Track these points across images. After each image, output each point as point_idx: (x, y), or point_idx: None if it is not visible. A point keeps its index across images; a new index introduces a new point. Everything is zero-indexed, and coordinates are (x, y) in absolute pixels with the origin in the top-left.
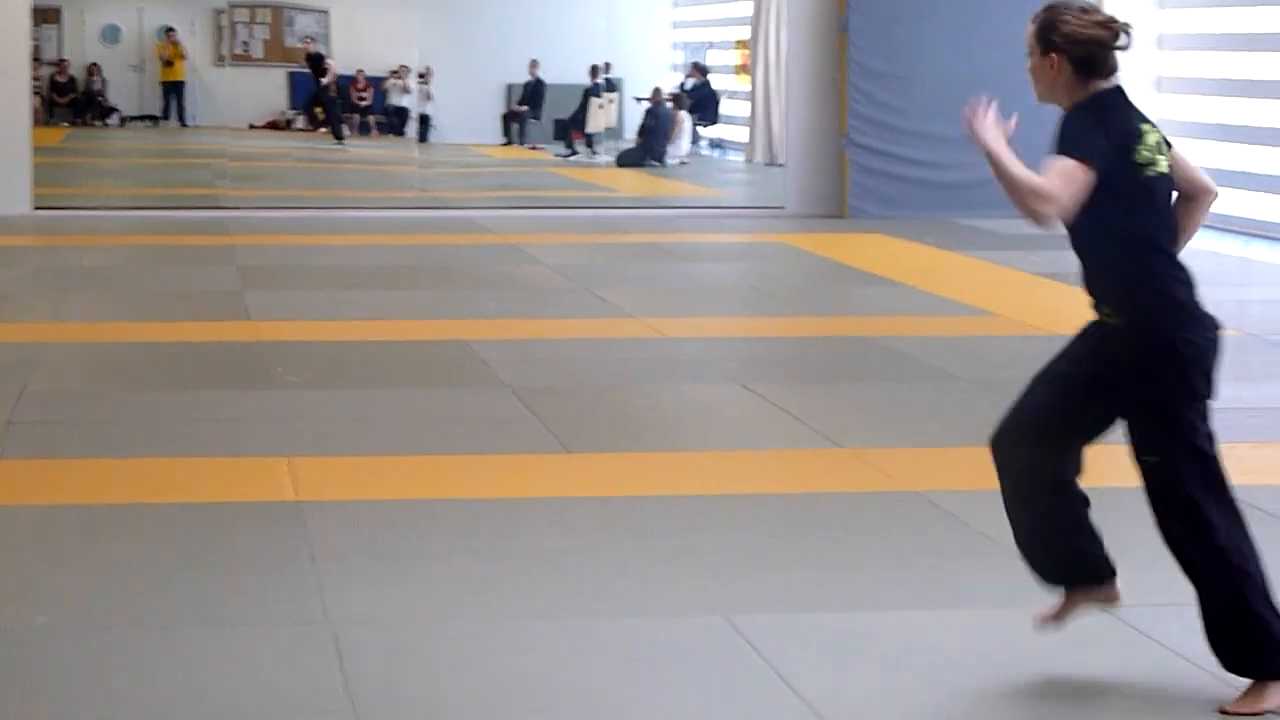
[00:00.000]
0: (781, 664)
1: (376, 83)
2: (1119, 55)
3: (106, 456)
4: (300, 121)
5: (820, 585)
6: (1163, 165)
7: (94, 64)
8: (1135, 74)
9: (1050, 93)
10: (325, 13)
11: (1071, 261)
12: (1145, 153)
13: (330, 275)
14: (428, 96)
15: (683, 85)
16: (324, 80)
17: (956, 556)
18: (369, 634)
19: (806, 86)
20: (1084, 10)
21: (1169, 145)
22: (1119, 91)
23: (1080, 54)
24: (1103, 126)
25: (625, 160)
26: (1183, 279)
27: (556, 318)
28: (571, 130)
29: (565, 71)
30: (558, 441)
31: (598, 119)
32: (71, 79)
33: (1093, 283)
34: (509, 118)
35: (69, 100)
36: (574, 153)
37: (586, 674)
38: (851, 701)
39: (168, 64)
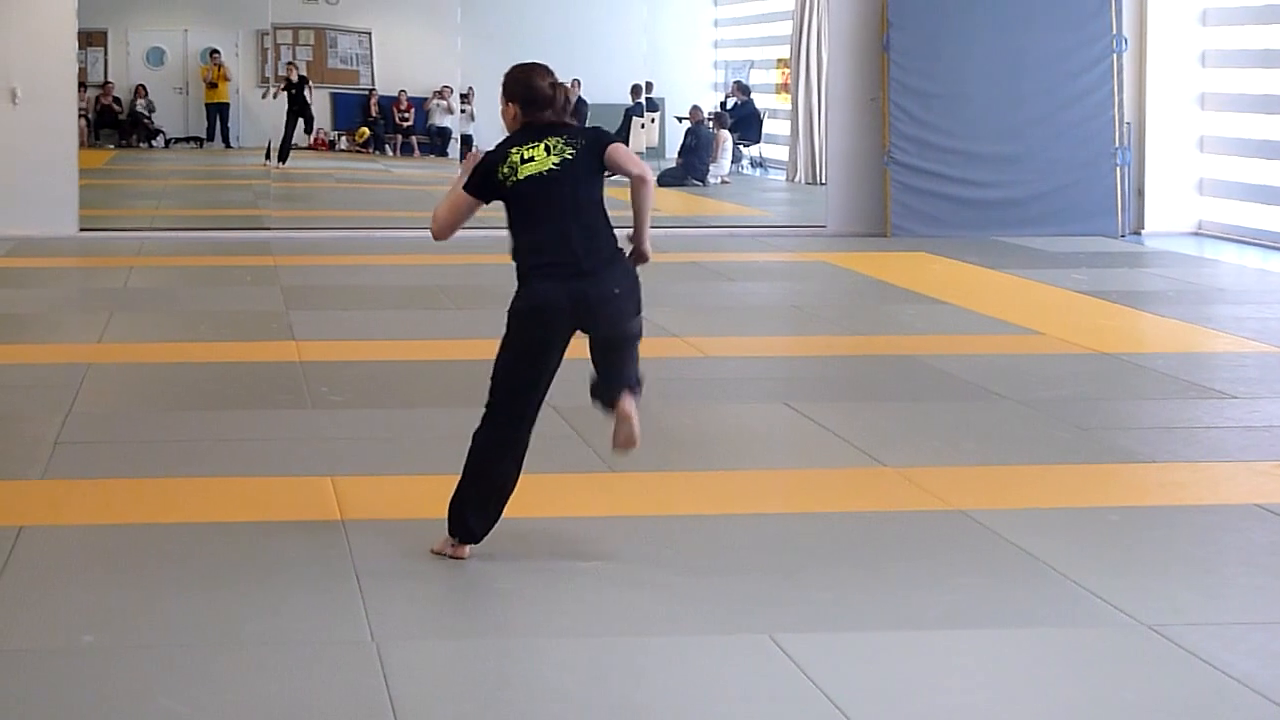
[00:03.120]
0: (826, 683)
1: (419, 103)
2: None
3: (152, 476)
4: (343, 142)
5: (865, 604)
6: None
7: (140, 86)
8: (1178, 91)
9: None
10: (368, 34)
11: (1117, 279)
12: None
13: (373, 295)
14: (470, 117)
15: (724, 104)
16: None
17: (1000, 575)
18: (414, 653)
19: (848, 105)
20: None
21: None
22: None
23: None
24: None
25: (667, 179)
26: None
27: None
28: None
29: (607, 91)
30: (601, 461)
31: (639, 138)
32: (116, 100)
33: None
34: None
35: (114, 123)
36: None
37: (632, 693)
38: None
39: (212, 86)
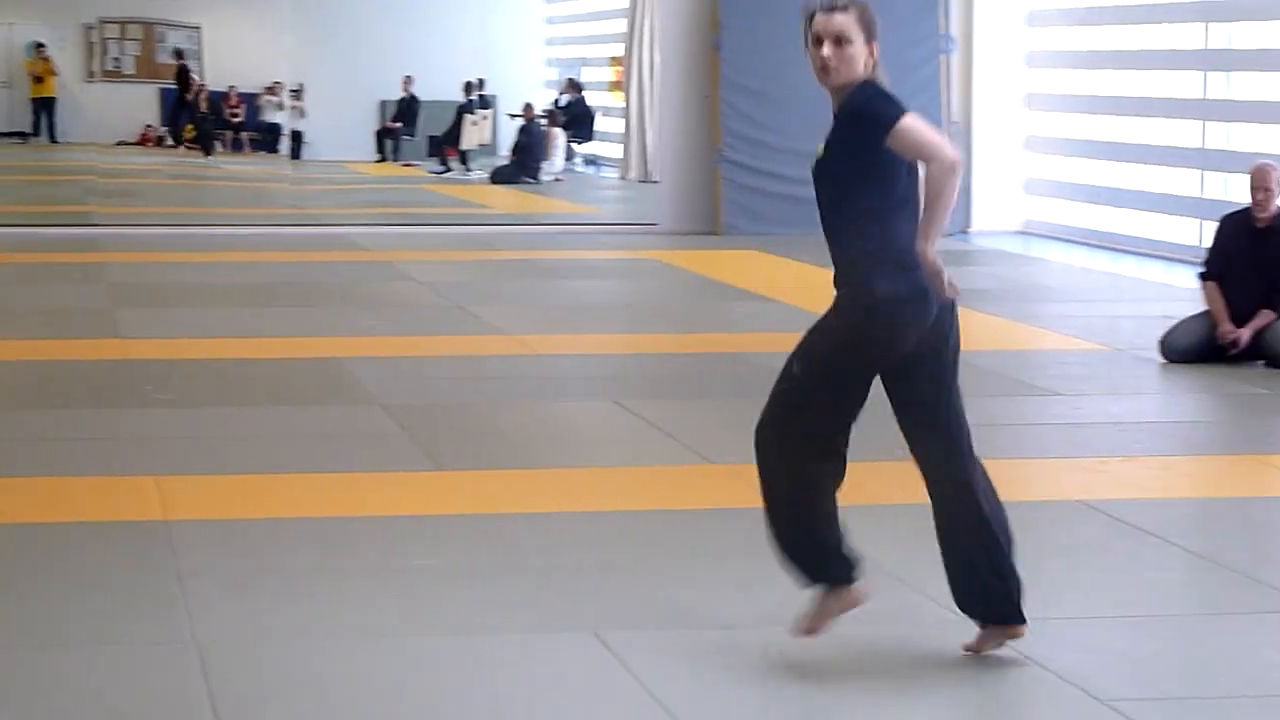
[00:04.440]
0: (651, 680)
1: (249, 99)
2: None
3: None
4: (172, 139)
5: (691, 601)
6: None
7: None
8: (1005, 91)
9: (851, 76)
10: (197, 29)
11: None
12: None
13: (202, 293)
14: (301, 113)
15: (556, 102)
16: (188, 96)
17: None
18: (236, 654)
19: (680, 103)
20: None
21: None
22: None
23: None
24: None
25: (499, 177)
26: None
27: (429, 335)
28: (445, 147)
29: (439, 88)
30: (429, 459)
31: (472, 136)
32: None
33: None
34: (383, 134)
35: None
36: (448, 169)
37: (456, 692)
38: (721, 718)
39: (38, 80)
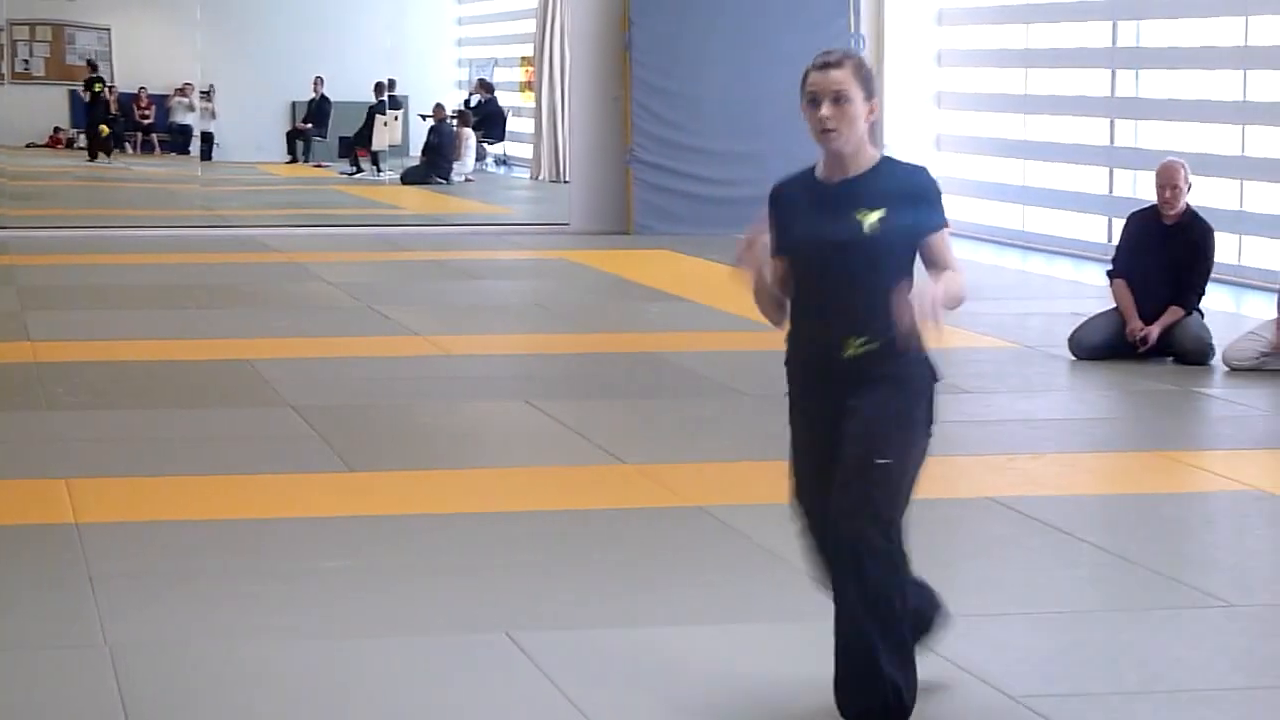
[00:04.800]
0: (563, 680)
1: (160, 100)
2: None
3: None
4: (82, 140)
5: (603, 601)
6: None
7: None
8: (915, 90)
9: (855, 137)
10: (107, 30)
11: None
12: None
13: (111, 295)
14: (211, 114)
15: (467, 102)
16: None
17: (740, 571)
18: (148, 656)
19: (591, 103)
20: None
21: None
22: None
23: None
24: None
25: (410, 178)
26: None
27: (341, 336)
28: (356, 148)
29: (350, 89)
30: (340, 460)
31: (382, 136)
32: None
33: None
34: (294, 135)
35: None
36: (359, 170)
37: (368, 693)
38: (632, 717)
39: None
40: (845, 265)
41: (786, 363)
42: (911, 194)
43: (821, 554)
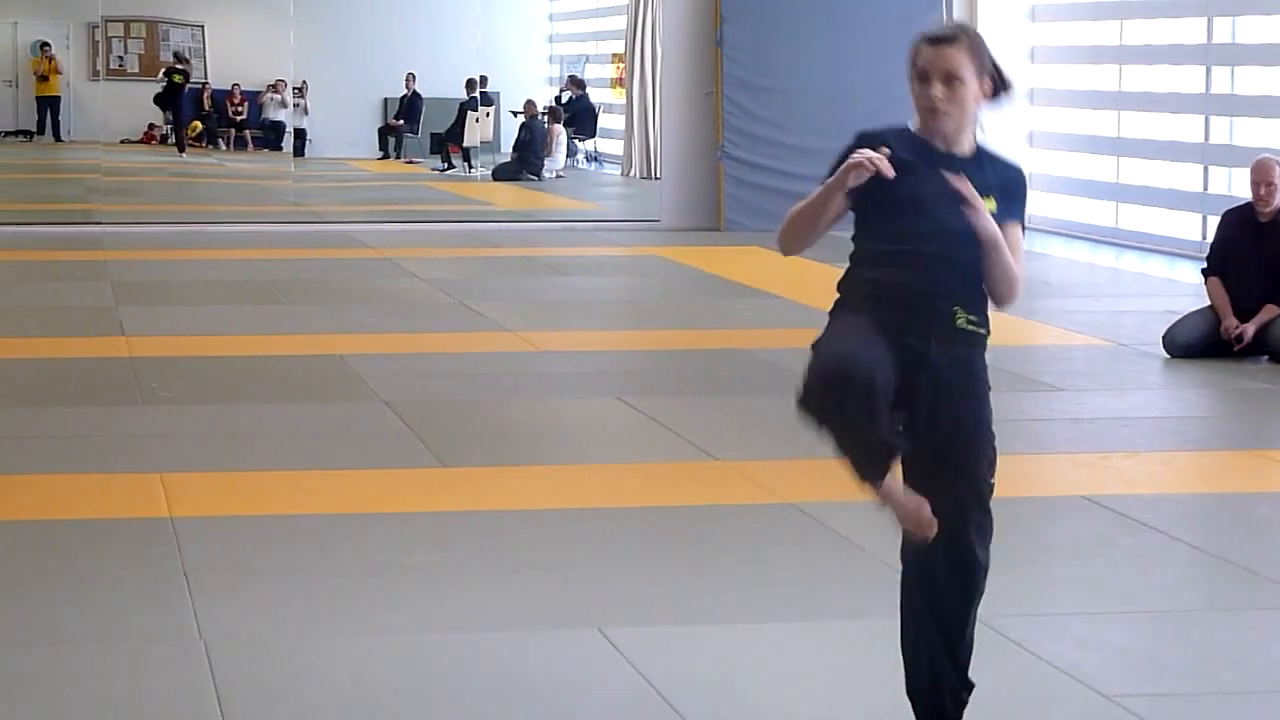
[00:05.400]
0: (655, 676)
1: (253, 97)
2: None
3: None
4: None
5: (694, 597)
6: None
7: None
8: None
9: (963, 120)
10: (201, 27)
11: None
12: None
13: (205, 290)
14: (304, 110)
15: (558, 98)
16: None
17: (829, 568)
18: (241, 649)
19: (682, 100)
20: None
21: None
22: None
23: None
24: None
25: (501, 174)
26: None
27: (432, 332)
28: (448, 144)
29: (442, 85)
30: (432, 455)
31: (474, 133)
32: None
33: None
34: (385, 132)
35: None
36: (450, 166)
37: (458, 688)
38: (725, 714)
39: (42, 79)
40: (964, 240)
41: (848, 292)
42: (1007, 189)
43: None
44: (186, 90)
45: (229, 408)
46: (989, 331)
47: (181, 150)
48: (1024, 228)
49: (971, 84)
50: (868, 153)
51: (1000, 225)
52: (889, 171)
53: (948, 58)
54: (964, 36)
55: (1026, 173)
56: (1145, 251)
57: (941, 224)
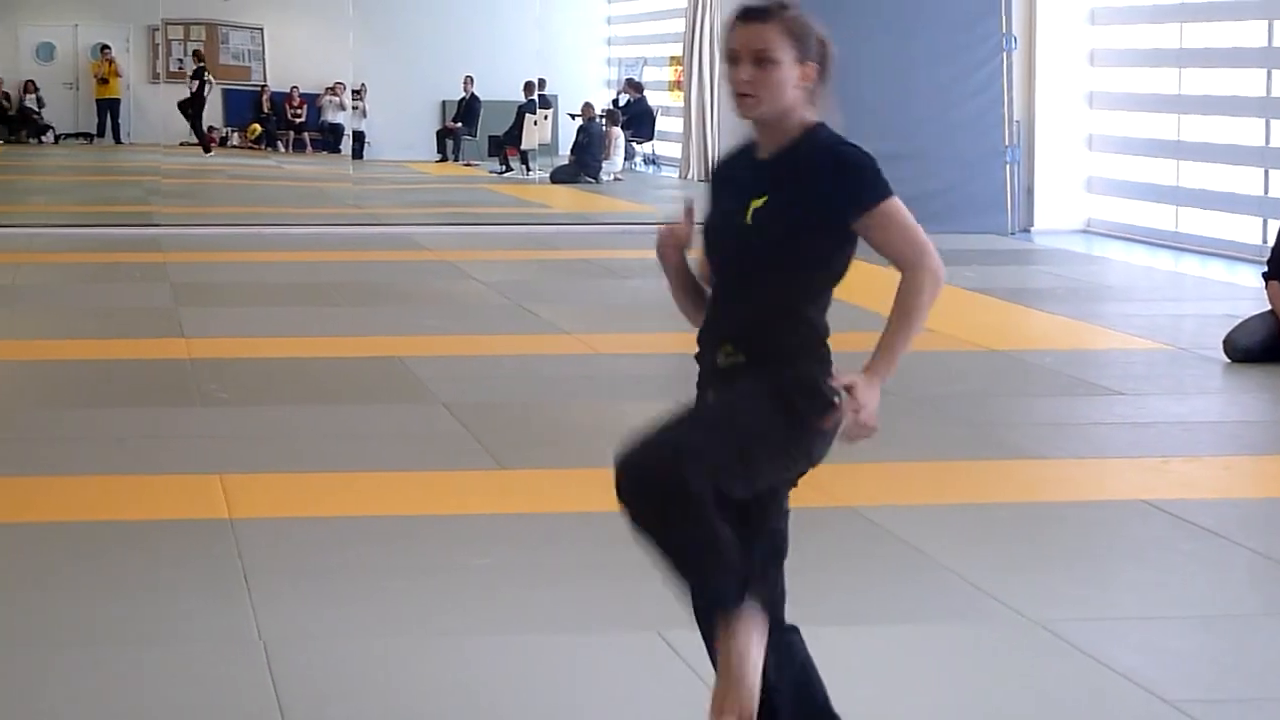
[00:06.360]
0: (713, 680)
1: (311, 99)
2: None
3: (38, 475)
4: (235, 139)
5: None
6: None
7: (29, 81)
8: (1067, 89)
9: (778, 106)
10: (260, 30)
11: (1006, 276)
12: None
13: (264, 291)
14: (362, 113)
15: (616, 101)
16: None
17: (891, 572)
18: (301, 651)
19: None
20: None
21: None
22: None
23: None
24: None
25: (559, 176)
26: None
27: (491, 334)
28: (506, 147)
29: (500, 88)
30: (491, 458)
31: (532, 135)
32: (6, 96)
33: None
34: (444, 134)
35: (3, 118)
36: (509, 169)
37: (519, 690)
38: None
39: (102, 81)
40: (732, 259)
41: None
42: (814, 171)
43: None
44: (208, 92)
45: (288, 409)
46: (766, 349)
47: (206, 150)
48: (884, 200)
49: (787, 66)
50: (664, 231)
51: (848, 220)
52: (684, 238)
53: (759, 35)
54: (780, 11)
55: (873, 157)
56: (1205, 255)
57: (717, 249)
